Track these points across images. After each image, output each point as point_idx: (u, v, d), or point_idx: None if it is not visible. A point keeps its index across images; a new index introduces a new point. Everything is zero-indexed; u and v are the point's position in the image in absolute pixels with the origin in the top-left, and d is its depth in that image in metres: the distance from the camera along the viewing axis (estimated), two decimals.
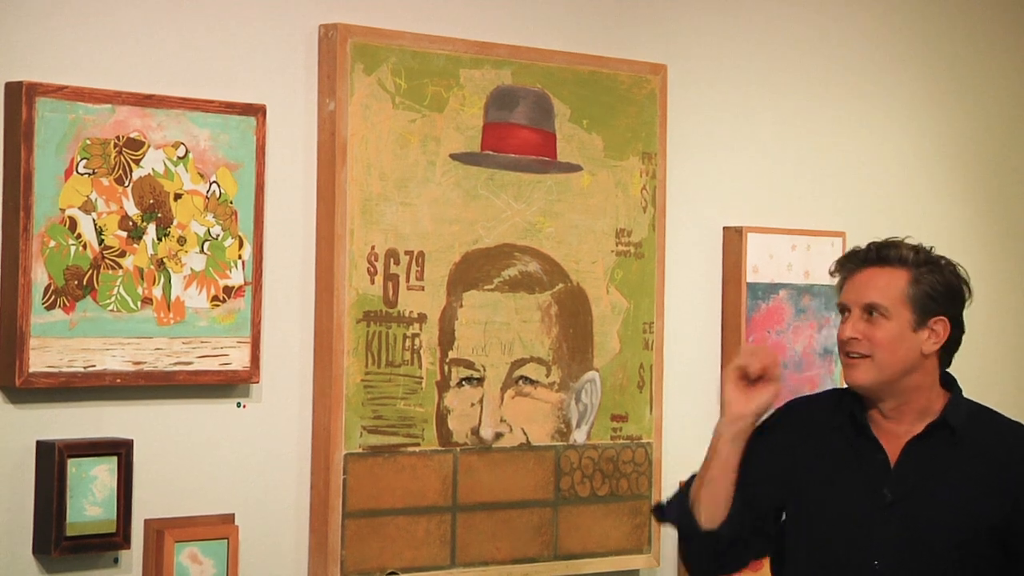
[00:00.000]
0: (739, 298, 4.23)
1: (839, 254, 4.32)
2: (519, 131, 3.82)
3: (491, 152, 3.78)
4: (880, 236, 3.00)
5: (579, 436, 3.93)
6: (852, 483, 3.00)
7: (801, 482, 3.04)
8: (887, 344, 2.97)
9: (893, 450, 3.01)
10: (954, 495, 2.99)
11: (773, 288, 4.28)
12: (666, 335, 4.08)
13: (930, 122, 4.68)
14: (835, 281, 3.09)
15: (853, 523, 2.99)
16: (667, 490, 4.07)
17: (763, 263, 4.26)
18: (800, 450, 3.07)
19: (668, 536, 4.09)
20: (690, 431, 4.16)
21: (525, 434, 3.84)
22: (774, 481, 3.05)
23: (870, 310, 2.99)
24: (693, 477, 3.14)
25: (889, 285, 2.99)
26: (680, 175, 4.15)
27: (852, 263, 3.05)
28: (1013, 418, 3.10)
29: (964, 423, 3.01)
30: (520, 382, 3.82)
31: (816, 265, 4.34)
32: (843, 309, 3.04)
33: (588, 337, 3.93)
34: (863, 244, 3.08)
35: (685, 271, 4.17)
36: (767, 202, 4.33)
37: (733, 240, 4.23)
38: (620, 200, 4.00)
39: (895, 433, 3.01)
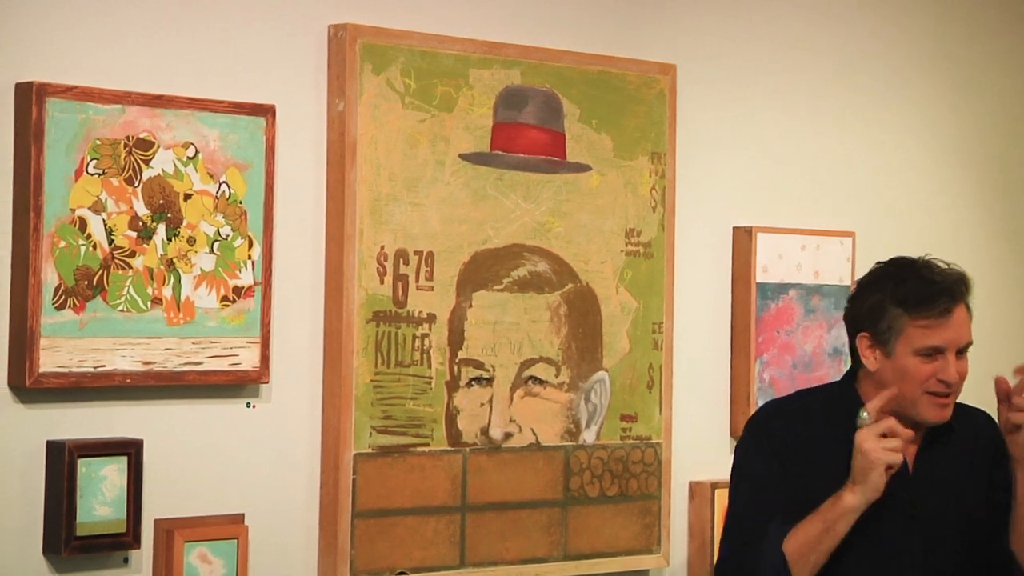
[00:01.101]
0: (748, 298, 4.23)
1: (848, 254, 4.36)
2: (528, 131, 3.83)
3: (500, 152, 3.80)
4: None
5: (589, 436, 3.93)
6: None
7: (820, 496, 2.99)
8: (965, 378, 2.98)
9: (908, 453, 2.99)
10: (960, 495, 2.99)
11: (783, 288, 4.29)
12: (676, 335, 4.09)
13: (940, 121, 4.68)
14: (893, 307, 2.96)
15: (877, 535, 2.96)
16: (676, 491, 4.09)
17: (773, 263, 4.27)
18: (806, 460, 3.03)
19: (677, 536, 4.10)
20: (699, 431, 4.17)
21: (535, 434, 3.85)
22: (795, 502, 2.99)
23: (964, 349, 2.98)
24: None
25: (968, 320, 2.98)
26: (690, 175, 4.15)
27: (945, 301, 2.95)
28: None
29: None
30: (529, 382, 3.83)
31: (826, 265, 4.35)
32: (933, 351, 2.95)
33: (597, 337, 3.94)
34: (905, 267, 3.00)
35: (695, 271, 4.17)
36: (776, 202, 4.33)
37: (743, 240, 4.24)
38: (629, 200, 4.01)
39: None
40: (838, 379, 3.22)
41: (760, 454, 3.08)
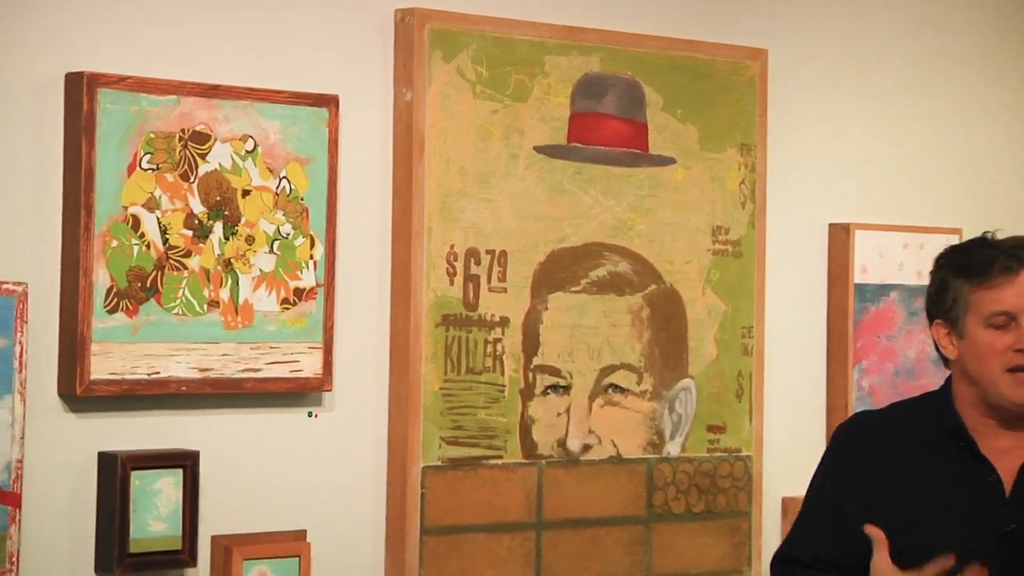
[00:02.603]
0: (846, 300, 4.22)
1: None
2: (608, 122, 3.85)
3: (578, 144, 3.81)
4: (1000, 233, 2.97)
5: (673, 448, 3.94)
6: (960, 508, 2.97)
7: (900, 512, 2.98)
8: None
9: (1005, 469, 2.98)
10: None
11: (883, 290, 4.28)
12: (767, 340, 4.09)
13: None
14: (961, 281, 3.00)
15: (967, 553, 2.95)
16: (768, 507, 4.09)
17: (872, 262, 4.26)
18: (889, 474, 3.03)
19: (769, 556, 4.10)
20: (793, 443, 4.17)
21: (615, 446, 3.86)
22: (868, 517, 3.00)
23: None
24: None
25: None
26: (782, 168, 4.15)
27: (1005, 260, 2.94)
28: None
29: None
30: (609, 390, 3.85)
31: (930, 264, 4.33)
32: (1004, 318, 2.93)
33: (682, 342, 3.95)
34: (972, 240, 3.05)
35: (787, 271, 4.17)
36: (876, 197, 4.32)
37: (839, 238, 4.23)
38: (717, 195, 4.01)
39: (999, 450, 2.98)
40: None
41: (834, 467, 3.10)
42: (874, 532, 2.94)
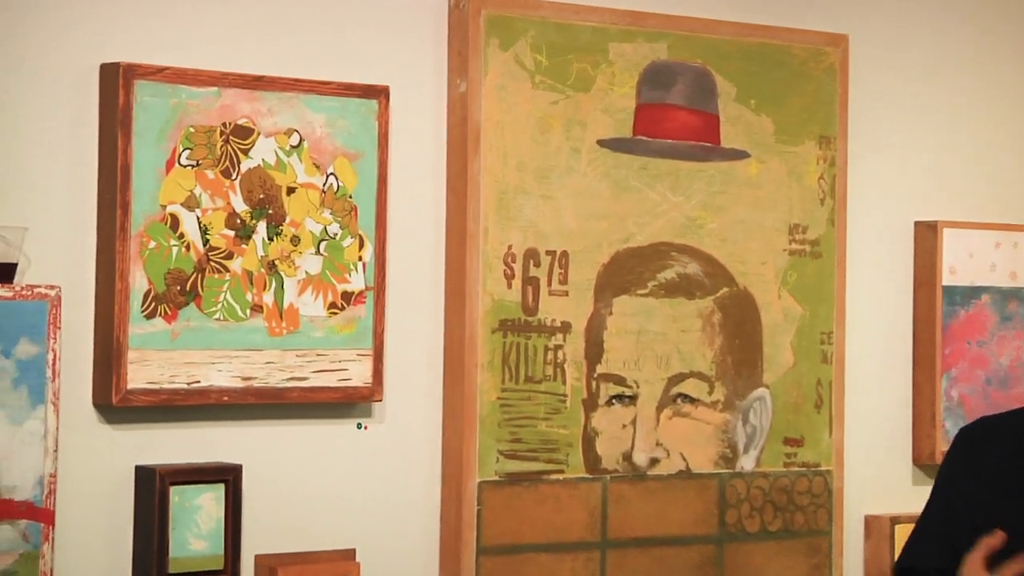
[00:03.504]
0: (934, 304, 4.21)
1: None
2: (676, 113, 3.85)
3: (644, 137, 3.82)
4: None
5: (747, 462, 3.94)
6: None
7: (1020, 521, 2.99)
8: None
9: None
10: None
11: (974, 292, 4.26)
12: (848, 347, 4.08)
13: None
14: None
15: None
16: (849, 526, 4.08)
17: (961, 263, 4.24)
18: (1012, 483, 3.04)
19: None
20: (876, 457, 4.16)
21: (684, 460, 3.86)
22: (989, 526, 3.00)
23: None
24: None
25: None
26: (864, 162, 4.14)
27: None
28: None
29: None
30: (678, 400, 3.85)
31: None
32: None
33: (757, 349, 3.95)
34: None
35: (870, 273, 4.16)
36: (965, 192, 4.31)
37: (926, 237, 4.22)
38: (794, 191, 4.01)
39: None
40: None
41: (955, 473, 3.09)
42: (992, 541, 2.94)
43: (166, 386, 3.29)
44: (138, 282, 3.27)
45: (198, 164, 3.33)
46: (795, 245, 4.01)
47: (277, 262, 3.42)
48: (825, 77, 4.04)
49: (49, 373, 3.16)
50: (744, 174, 3.94)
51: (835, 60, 4.06)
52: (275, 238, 3.41)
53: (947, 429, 4.18)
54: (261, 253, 3.40)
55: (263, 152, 3.40)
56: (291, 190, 3.43)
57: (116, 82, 3.25)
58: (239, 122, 3.37)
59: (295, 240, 3.43)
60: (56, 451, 3.16)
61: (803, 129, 4.01)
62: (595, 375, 3.75)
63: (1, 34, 3.18)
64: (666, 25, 3.84)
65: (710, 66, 3.89)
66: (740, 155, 3.93)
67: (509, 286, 3.66)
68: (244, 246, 3.38)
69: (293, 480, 3.47)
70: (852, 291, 4.10)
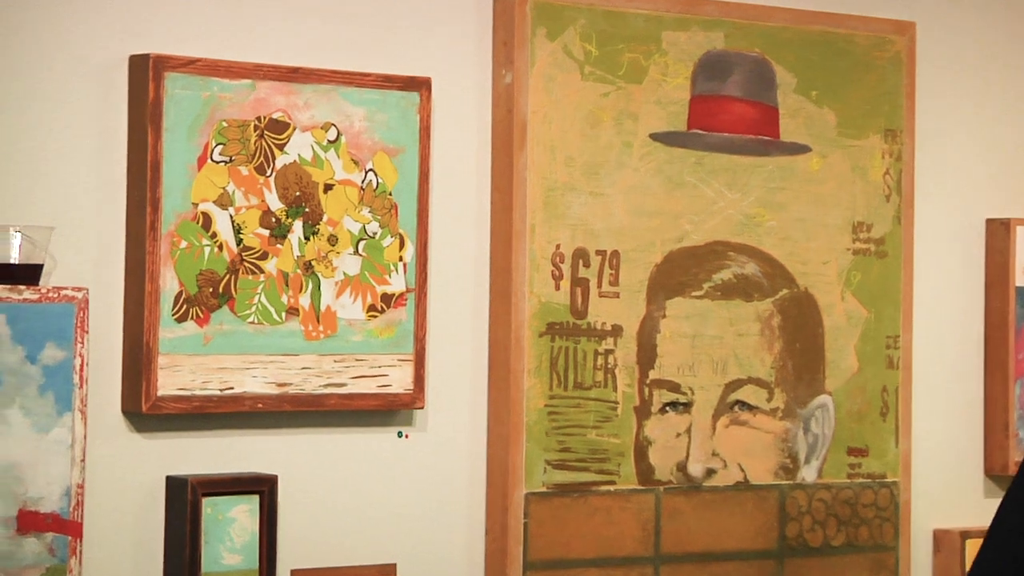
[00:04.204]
0: (1007, 305, 4.20)
1: None
2: (733, 105, 3.85)
3: (699, 131, 3.82)
4: None
5: (808, 474, 3.94)
6: None
7: None
8: None
9: None
10: None
11: None
12: (915, 351, 4.07)
13: None
14: None
15: None
16: (917, 541, 4.07)
17: None
18: None
19: None
20: (946, 468, 4.14)
21: (742, 470, 3.87)
22: None
23: None
24: None
25: None
26: (932, 156, 4.13)
27: None
28: None
29: None
30: (736, 408, 3.85)
31: None
32: None
33: (819, 354, 3.95)
34: None
35: (938, 273, 4.15)
36: None
37: (998, 235, 4.21)
38: (857, 187, 4.00)
39: None
40: None
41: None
42: None
43: (198, 393, 3.31)
44: (169, 284, 3.29)
45: (231, 160, 3.35)
46: (859, 244, 4.00)
47: (314, 263, 3.43)
48: (890, 67, 4.04)
49: (76, 379, 3.18)
50: (805, 169, 3.94)
51: (901, 49, 4.05)
52: (311, 237, 3.43)
53: (1021, 438, 4.17)
54: (297, 253, 3.41)
55: (299, 147, 3.42)
56: (328, 187, 3.45)
57: (146, 75, 3.27)
58: (274, 116, 3.39)
59: (332, 240, 3.45)
60: (83, 461, 3.18)
61: (867, 122, 4.01)
62: (648, 381, 3.76)
63: (24, 25, 3.21)
64: (722, 12, 3.84)
65: (769, 55, 3.89)
66: (800, 149, 3.93)
67: (557, 287, 3.67)
68: (279, 246, 3.40)
69: (331, 491, 3.48)
70: (920, 292, 4.10)
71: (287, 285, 3.40)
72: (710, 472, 3.82)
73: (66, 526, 3.16)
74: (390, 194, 3.50)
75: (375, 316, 3.48)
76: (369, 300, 3.48)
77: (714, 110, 3.83)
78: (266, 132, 3.38)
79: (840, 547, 3.97)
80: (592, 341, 3.70)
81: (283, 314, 3.40)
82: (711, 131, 3.83)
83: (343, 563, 3.48)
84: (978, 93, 4.21)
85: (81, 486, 3.18)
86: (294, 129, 3.41)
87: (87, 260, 3.26)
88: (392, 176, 3.50)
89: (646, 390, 3.75)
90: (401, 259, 3.51)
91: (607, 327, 3.72)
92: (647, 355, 3.76)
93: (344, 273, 3.46)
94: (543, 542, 3.63)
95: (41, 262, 3.17)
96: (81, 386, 3.18)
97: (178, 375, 3.29)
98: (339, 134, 3.45)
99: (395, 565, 3.52)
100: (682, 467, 3.80)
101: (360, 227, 3.47)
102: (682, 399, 3.79)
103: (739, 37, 3.86)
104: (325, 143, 3.44)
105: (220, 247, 3.34)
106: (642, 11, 3.76)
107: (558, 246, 3.67)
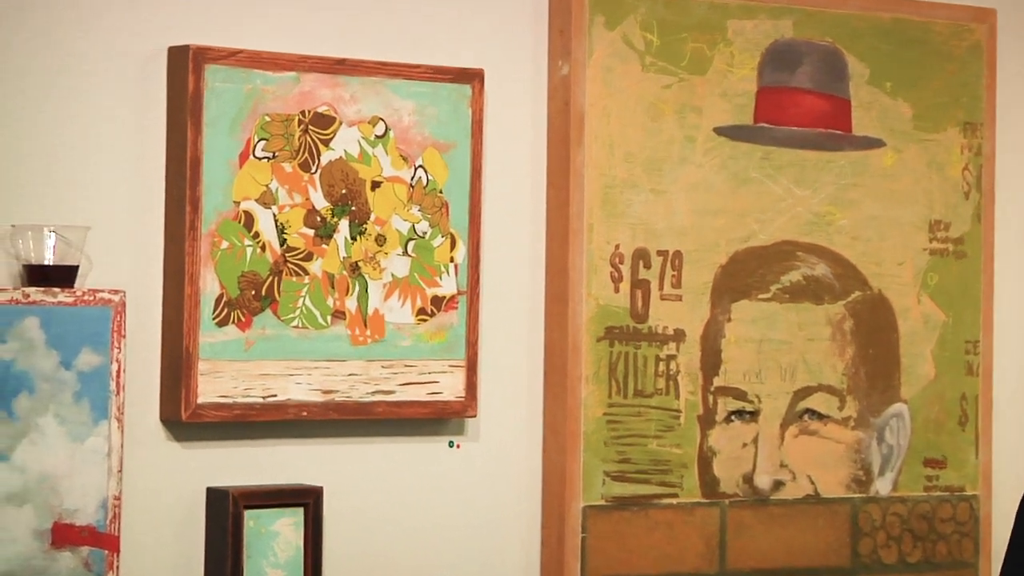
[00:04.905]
0: None
1: None
2: (802, 97, 3.85)
3: (766, 125, 3.82)
4: None
5: (883, 486, 3.93)
6: None
7: None
8: None
9: None
10: None
11: None
12: (996, 357, 4.06)
13: None
14: None
15: None
16: (998, 555, 4.06)
17: None
18: None
19: None
20: None
21: (812, 483, 3.86)
22: None
23: None
24: None
25: None
26: (1013, 151, 4.12)
27: None
28: None
29: None
30: (805, 417, 3.85)
31: None
32: None
33: (893, 360, 3.94)
34: None
35: (1021, 274, 4.14)
36: None
37: None
38: (935, 184, 4.00)
39: None
40: None
41: None
42: None
43: (240, 400, 3.33)
44: (209, 286, 3.31)
45: (274, 156, 3.37)
46: (936, 244, 4.00)
47: (361, 264, 3.45)
48: (969, 56, 4.03)
49: (113, 386, 3.20)
50: (878, 165, 3.93)
51: (981, 37, 4.04)
52: (358, 237, 3.44)
53: None
54: (343, 254, 3.43)
55: (345, 143, 3.43)
56: (376, 184, 3.46)
57: (185, 67, 3.28)
58: (319, 110, 3.41)
59: (380, 239, 3.46)
60: (121, 471, 3.20)
61: (945, 114, 4.00)
62: (712, 388, 3.76)
63: (60, 17, 3.23)
64: (791, 0, 3.84)
65: (840, 45, 3.89)
66: (874, 144, 3.93)
67: (616, 290, 3.67)
68: (324, 246, 3.41)
69: (378, 504, 3.50)
70: (1000, 295, 4.09)
71: (333, 287, 3.42)
72: (778, 485, 3.82)
73: (102, 540, 3.18)
74: (440, 192, 3.51)
75: (425, 320, 3.49)
76: (419, 303, 3.49)
77: (782, 103, 3.82)
78: (311, 127, 3.40)
79: (916, 564, 3.96)
80: (653, 346, 3.70)
81: (328, 318, 3.41)
82: (779, 125, 3.83)
83: None
84: None
85: (118, 498, 3.20)
86: (340, 124, 3.43)
87: (124, 261, 3.28)
88: (443, 173, 3.51)
89: (710, 398, 3.76)
90: (452, 260, 3.52)
91: (669, 331, 3.72)
92: (711, 361, 3.76)
93: (392, 275, 3.47)
94: (602, 558, 3.64)
95: (76, 263, 3.20)
96: (118, 393, 3.20)
97: (219, 382, 3.31)
98: (387, 129, 3.47)
99: None
100: (748, 479, 3.80)
101: (409, 226, 3.49)
102: (748, 407, 3.79)
103: (809, 25, 3.86)
104: (372, 138, 3.46)
105: (263, 248, 3.35)
106: None
107: (617, 246, 3.67)
